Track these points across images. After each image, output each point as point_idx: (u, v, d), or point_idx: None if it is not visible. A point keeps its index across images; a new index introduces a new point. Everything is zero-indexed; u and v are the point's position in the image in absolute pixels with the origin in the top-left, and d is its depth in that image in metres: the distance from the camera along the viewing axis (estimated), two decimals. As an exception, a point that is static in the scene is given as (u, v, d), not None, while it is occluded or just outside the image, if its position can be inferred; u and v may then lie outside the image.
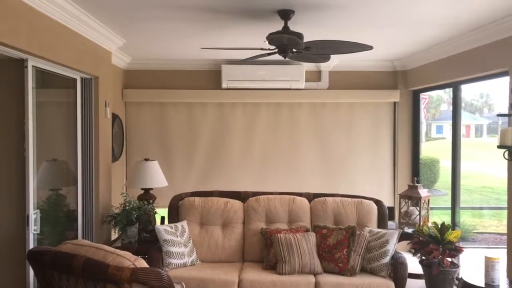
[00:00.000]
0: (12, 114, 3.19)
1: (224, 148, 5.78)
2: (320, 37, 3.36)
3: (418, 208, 4.77)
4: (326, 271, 3.90)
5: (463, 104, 5.10)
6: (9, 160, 3.23)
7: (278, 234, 3.98)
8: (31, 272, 3.11)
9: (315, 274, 3.87)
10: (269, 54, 3.52)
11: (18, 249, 3.14)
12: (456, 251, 4.13)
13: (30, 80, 3.12)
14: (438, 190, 7.91)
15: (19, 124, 3.14)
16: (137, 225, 4.29)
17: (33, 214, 3.12)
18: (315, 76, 5.79)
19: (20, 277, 3.20)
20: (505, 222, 3.83)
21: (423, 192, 4.84)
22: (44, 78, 3.57)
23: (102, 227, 4.29)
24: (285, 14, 3.29)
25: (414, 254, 4.36)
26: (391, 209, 5.69)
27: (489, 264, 3.47)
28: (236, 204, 4.42)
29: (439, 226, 4.23)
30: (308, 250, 3.91)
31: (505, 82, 3.79)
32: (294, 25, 3.43)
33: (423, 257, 4.24)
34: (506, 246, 3.79)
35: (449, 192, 5.03)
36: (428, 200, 4.87)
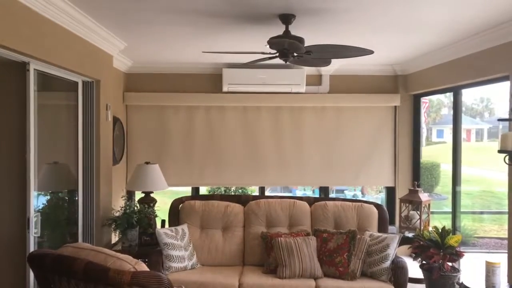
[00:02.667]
0: (13, 117, 3.20)
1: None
2: (321, 41, 3.37)
3: (418, 212, 4.77)
4: (326, 275, 3.89)
5: (463, 109, 5.10)
6: (10, 162, 3.23)
7: (279, 238, 3.98)
8: (32, 275, 3.11)
9: (315, 278, 3.86)
10: (270, 58, 3.53)
11: (19, 252, 3.14)
12: (456, 255, 4.12)
13: (31, 83, 3.13)
14: (438, 194, 7.90)
15: (20, 127, 3.14)
16: (137, 228, 4.29)
17: (34, 217, 3.12)
18: (316, 80, 5.80)
19: (21, 280, 3.20)
20: (505, 226, 3.82)
21: (423, 196, 4.84)
22: (46, 81, 3.58)
23: (103, 230, 4.29)
24: (286, 19, 3.30)
25: (415, 259, 4.36)
26: (392, 211, 5.69)
27: (490, 269, 3.47)
28: (237, 207, 4.42)
29: (440, 230, 4.23)
30: (308, 254, 3.91)
31: (505, 87, 3.79)
32: (295, 29, 3.44)
33: (424, 262, 4.23)
34: (507, 251, 3.78)
35: (450, 196, 5.02)
36: (429, 204, 4.86)
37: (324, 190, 6.10)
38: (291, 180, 5.93)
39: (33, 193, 3.15)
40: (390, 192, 5.96)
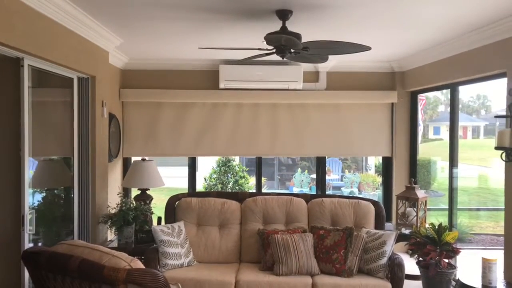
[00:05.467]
0: (7, 114, 3.17)
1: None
2: (318, 38, 3.36)
3: (415, 209, 4.77)
4: (323, 272, 3.89)
5: (460, 106, 5.11)
6: (4, 159, 3.20)
7: (275, 235, 3.97)
8: (26, 273, 3.09)
9: (312, 275, 3.86)
10: (267, 54, 3.51)
11: (13, 250, 3.12)
12: (453, 252, 4.13)
13: (26, 79, 3.10)
14: (435, 191, 7.93)
15: (14, 124, 3.11)
16: (133, 226, 4.27)
17: (29, 214, 3.10)
18: (313, 76, 5.79)
19: (15, 278, 3.18)
20: (502, 223, 3.83)
21: (420, 193, 4.84)
22: (41, 77, 3.55)
23: (98, 228, 4.27)
24: (283, 14, 3.29)
25: (411, 255, 4.37)
26: (389, 210, 5.69)
27: (486, 266, 3.47)
28: (233, 204, 4.41)
29: (436, 227, 4.24)
30: (305, 251, 3.90)
31: (502, 84, 3.79)
32: (292, 25, 3.42)
33: (420, 258, 4.24)
34: (503, 247, 3.79)
35: (446, 193, 5.03)
36: (425, 201, 4.87)
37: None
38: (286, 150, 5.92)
39: (27, 190, 3.12)
40: (387, 188, 5.97)
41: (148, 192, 4.71)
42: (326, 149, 5.85)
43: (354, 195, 8.63)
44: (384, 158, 6.02)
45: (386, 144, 5.86)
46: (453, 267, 4.21)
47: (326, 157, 6.16)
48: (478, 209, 8.38)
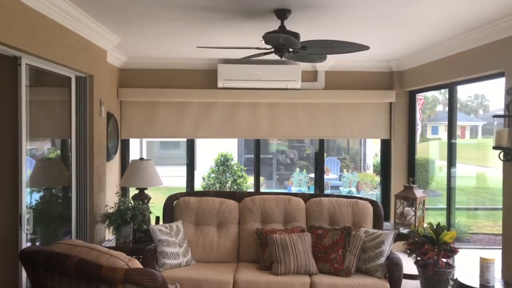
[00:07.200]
0: (5, 113, 3.15)
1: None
2: (316, 37, 3.36)
3: (413, 208, 4.77)
4: (321, 271, 3.89)
5: (458, 105, 5.11)
6: (2, 159, 3.19)
7: (274, 235, 3.97)
8: (24, 273, 3.08)
9: (310, 274, 3.85)
10: (265, 53, 3.51)
11: (11, 249, 3.11)
12: (451, 251, 4.14)
13: (23, 78, 3.09)
14: (433, 190, 7.94)
15: (12, 123, 3.10)
16: (131, 225, 4.26)
17: (26, 214, 3.09)
18: (311, 76, 5.78)
19: (13, 277, 3.17)
20: (499, 222, 3.83)
21: (418, 192, 4.84)
22: (38, 76, 3.54)
23: (96, 227, 4.26)
24: (282, 14, 3.28)
25: (410, 255, 4.37)
26: (387, 210, 5.69)
27: (484, 265, 3.48)
28: (232, 204, 4.40)
29: (435, 226, 4.24)
30: (303, 251, 3.90)
31: (500, 83, 3.79)
32: (291, 25, 3.42)
33: (419, 258, 4.25)
34: (501, 247, 3.79)
35: (444, 193, 5.03)
36: (424, 201, 4.87)
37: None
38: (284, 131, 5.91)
39: (25, 189, 3.11)
40: (385, 188, 5.97)
41: (146, 191, 4.70)
42: (325, 132, 5.84)
43: (353, 195, 8.64)
44: (383, 152, 6.00)
45: (385, 129, 5.87)
46: (451, 266, 4.21)
47: (325, 157, 6.16)
48: (476, 209, 8.39)
